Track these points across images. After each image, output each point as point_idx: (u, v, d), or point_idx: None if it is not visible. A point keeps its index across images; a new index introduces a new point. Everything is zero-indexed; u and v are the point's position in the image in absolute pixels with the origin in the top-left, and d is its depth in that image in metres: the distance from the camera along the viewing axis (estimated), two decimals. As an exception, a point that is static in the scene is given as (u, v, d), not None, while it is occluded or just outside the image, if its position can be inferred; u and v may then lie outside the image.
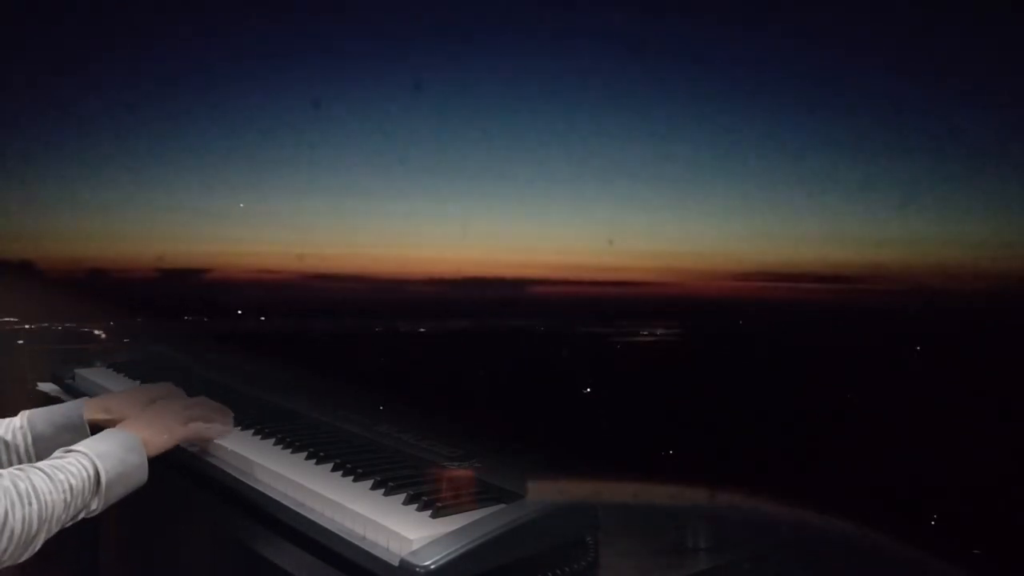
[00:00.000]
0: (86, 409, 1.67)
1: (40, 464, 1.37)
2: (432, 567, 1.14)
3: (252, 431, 1.72)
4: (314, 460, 1.54)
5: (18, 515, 1.26)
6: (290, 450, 1.60)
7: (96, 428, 1.64)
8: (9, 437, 1.59)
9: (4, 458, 1.59)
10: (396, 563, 1.17)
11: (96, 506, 1.41)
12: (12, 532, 1.26)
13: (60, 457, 1.41)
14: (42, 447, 1.59)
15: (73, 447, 1.43)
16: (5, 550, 1.26)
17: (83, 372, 2.35)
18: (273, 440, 1.66)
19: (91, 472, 1.39)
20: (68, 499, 1.34)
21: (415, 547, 1.18)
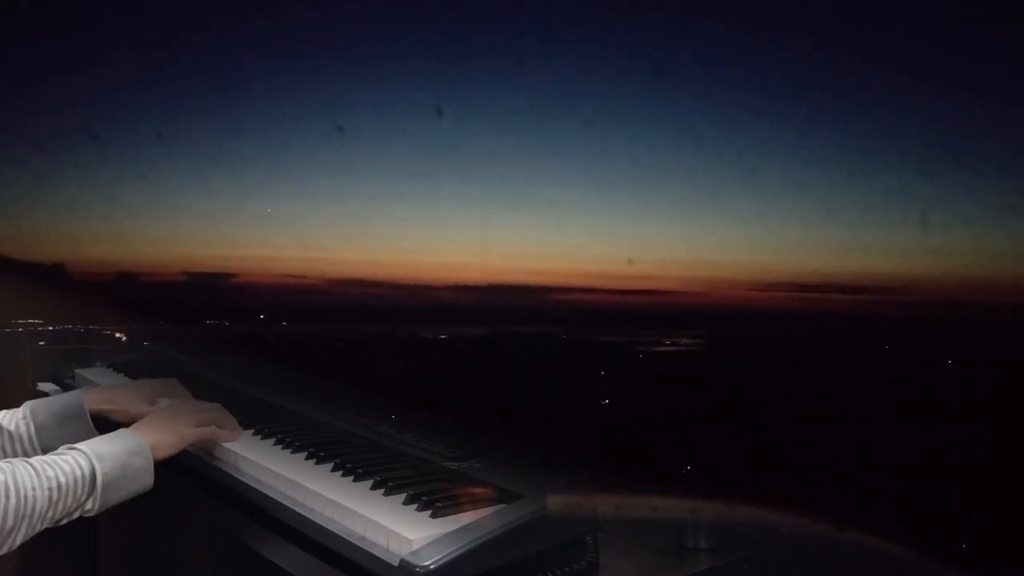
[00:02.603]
0: (88, 399, 1.67)
1: (33, 459, 1.36)
2: (432, 567, 1.14)
3: (252, 431, 1.72)
4: (314, 460, 1.54)
5: None
6: (290, 450, 1.60)
7: (101, 421, 1.65)
8: (12, 427, 1.59)
9: (8, 448, 1.58)
10: (396, 563, 1.17)
11: (92, 507, 1.39)
12: None
13: (58, 453, 1.40)
14: (45, 436, 1.59)
15: (76, 445, 1.42)
16: None
17: (83, 372, 2.35)
18: (273, 440, 1.66)
19: (86, 471, 1.37)
20: (54, 496, 1.32)
21: (415, 547, 1.18)
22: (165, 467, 1.57)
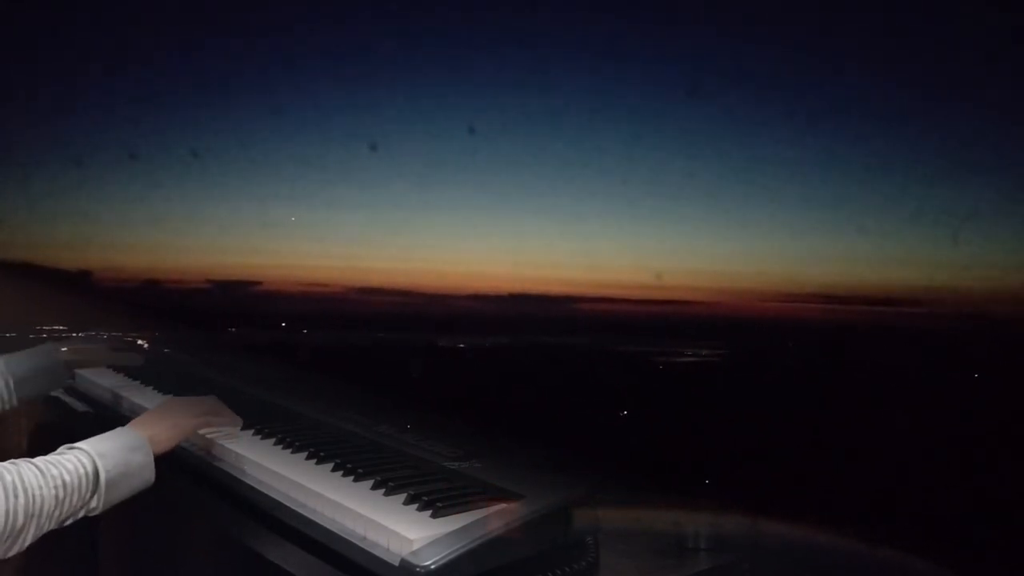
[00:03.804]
0: (61, 352, 1.80)
1: (36, 459, 1.37)
2: (432, 567, 1.14)
3: (252, 431, 1.72)
4: (314, 460, 1.54)
5: (0, 507, 1.25)
6: (290, 450, 1.61)
7: (100, 417, 1.69)
8: None
9: None
10: (396, 563, 1.17)
11: (96, 505, 1.40)
12: None
13: (59, 453, 1.41)
14: (26, 390, 1.72)
15: (75, 444, 1.43)
16: None
17: (83, 372, 2.35)
18: (273, 440, 1.67)
19: (89, 469, 1.38)
20: (60, 495, 1.33)
21: (415, 547, 1.18)
22: (166, 467, 1.57)
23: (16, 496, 1.27)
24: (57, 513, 1.34)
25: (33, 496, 1.29)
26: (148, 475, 1.48)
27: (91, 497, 1.39)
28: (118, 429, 1.53)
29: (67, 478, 1.34)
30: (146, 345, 2.36)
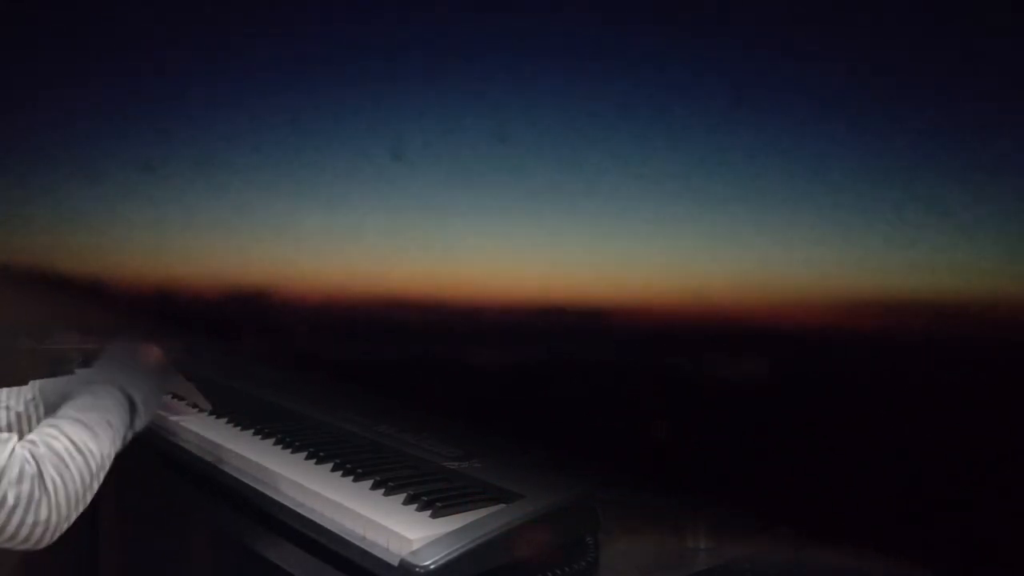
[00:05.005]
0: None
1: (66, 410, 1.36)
2: (432, 567, 1.14)
3: (252, 431, 1.72)
4: (314, 460, 1.54)
5: (70, 477, 1.26)
6: (290, 450, 1.61)
7: None
8: (21, 408, 1.58)
9: (16, 430, 1.56)
10: (396, 563, 1.17)
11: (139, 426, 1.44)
12: (68, 495, 1.25)
13: (87, 395, 1.41)
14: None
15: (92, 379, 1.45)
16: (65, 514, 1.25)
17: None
18: (273, 440, 1.67)
19: (125, 404, 1.42)
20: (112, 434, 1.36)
21: (415, 547, 1.18)
22: (166, 468, 1.57)
23: (83, 455, 1.28)
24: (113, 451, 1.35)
25: (92, 453, 1.30)
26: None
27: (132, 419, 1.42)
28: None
29: (110, 417, 1.37)
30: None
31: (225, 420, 1.82)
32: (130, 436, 1.41)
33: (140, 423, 1.44)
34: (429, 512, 1.28)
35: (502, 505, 1.29)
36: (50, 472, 1.22)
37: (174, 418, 1.82)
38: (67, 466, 1.25)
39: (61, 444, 1.27)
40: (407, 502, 1.32)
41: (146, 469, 1.83)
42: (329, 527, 1.31)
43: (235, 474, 1.57)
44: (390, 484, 1.38)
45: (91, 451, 1.29)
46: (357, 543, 1.25)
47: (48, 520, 1.21)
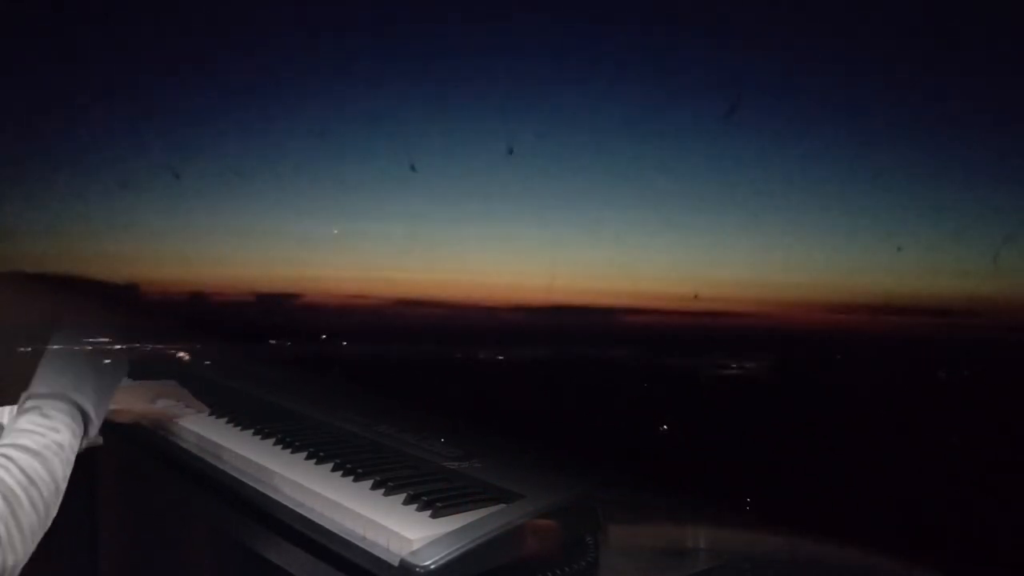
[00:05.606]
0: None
1: (20, 439, 1.25)
2: (432, 567, 1.14)
3: (252, 431, 1.72)
4: (314, 460, 1.54)
5: (27, 505, 1.18)
6: (290, 450, 1.61)
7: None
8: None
9: None
10: (396, 563, 1.17)
11: (93, 433, 1.35)
12: (23, 525, 1.16)
13: (38, 413, 1.31)
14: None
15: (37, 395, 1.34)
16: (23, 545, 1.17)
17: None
18: (273, 440, 1.67)
19: (76, 415, 1.32)
20: (63, 456, 1.26)
21: (415, 547, 1.18)
22: (166, 468, 1.57)
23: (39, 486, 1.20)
24: (65, 473, 1.26)
25: (50, 477, 1.22)
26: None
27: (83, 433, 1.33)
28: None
29: (59, 438, 1.27)
30: (187, 357, 2.34)
31: (225, 420, 1.81)
32: (85, 444, 1.34)
33: (94, 430, 1.35)
34: (429, 512, 1.28)
35: (502, 505, 1.29)
36: (3, 515, 1.14)
37: (174, 418, 1.81)
38: (21, 504, 1.17)
39: (13, 479, 1.18)
40: (407, 502, 1.32)
41: (146, 469, 1.83)
42: (329, 527, 1.31)
43: (235, 474, 1.57)
44: (390, 484, 1.38)
45: (43, 479, 1.21)
46: (357, 543, 1.25)
47: (4, 563, 1.13)
